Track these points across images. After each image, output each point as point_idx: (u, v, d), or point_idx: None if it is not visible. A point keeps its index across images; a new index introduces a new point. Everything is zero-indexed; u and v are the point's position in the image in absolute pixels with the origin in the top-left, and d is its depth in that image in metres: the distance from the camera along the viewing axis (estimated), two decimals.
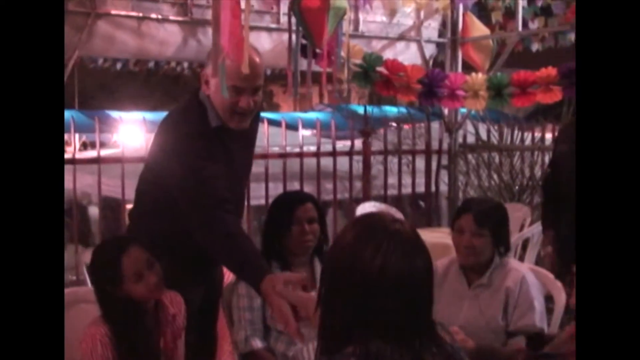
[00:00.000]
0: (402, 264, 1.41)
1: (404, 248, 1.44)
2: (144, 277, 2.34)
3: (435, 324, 1.51)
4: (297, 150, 5.54)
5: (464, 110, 5.95)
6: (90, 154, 5.79)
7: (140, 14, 4.36)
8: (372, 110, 6.86)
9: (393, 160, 6.01)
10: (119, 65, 10.50)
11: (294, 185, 5.53)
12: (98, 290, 2.38)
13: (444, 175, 6.23)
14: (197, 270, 2.70)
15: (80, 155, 5.10)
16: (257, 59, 2.54)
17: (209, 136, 2.56)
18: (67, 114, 9.49)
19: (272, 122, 5.70)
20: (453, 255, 2.97)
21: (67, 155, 4.95)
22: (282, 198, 3.05)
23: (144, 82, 22.13)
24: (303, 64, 4.55)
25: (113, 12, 4.27)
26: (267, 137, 5.29)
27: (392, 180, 5.99)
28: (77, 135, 10.24)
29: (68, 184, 4.78)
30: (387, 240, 1.44)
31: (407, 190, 6.12)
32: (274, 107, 25.71)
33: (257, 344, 2.75)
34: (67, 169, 4.75)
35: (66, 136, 10.49)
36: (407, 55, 5.52)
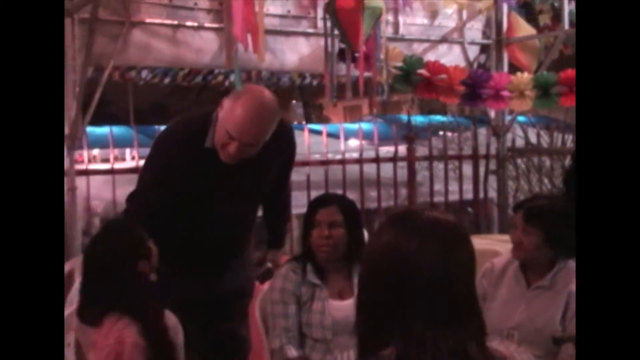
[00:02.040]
0: (440, 253, 1.34)
1: (442, 236, 1.37)
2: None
3: (485, 328, 1.41)
4: (339, 157, 5.45)
5: (509, 117, 5.77)
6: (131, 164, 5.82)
7: (176, 22, 4.33)
8: (416, 118, 6.74)
9: (439, 166, 5.86)
10: (167, 80, 10.64)
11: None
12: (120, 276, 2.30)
13: (493, 181, 6.04)
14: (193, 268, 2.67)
15: (120, 165, 5.12)
16: (263, 123, 2.50)
17: (194, 152, 2.56)
18: (119, 130, 9.64)
19: (313, 132, 5.65)
20: None
21: (105, 166, 4.95)
22: (311, 201, 2.98)
23: (195, 98, 22.47)
24: (342, 68, 4.49)
25: (148, 20, 4.24)
26: (308, 145, 5.22)
27: (439, 186, 5.84)
28: (127, 150, 10.43)
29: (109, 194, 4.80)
30: (424, 229, 1.37)
31: (454, 196, 5.95)
32: (324, 120, 25.75)
33: (292, 352, 2.68)
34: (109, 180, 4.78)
35: (117, 151, 10.69)
36: (450, 57, 5.37)
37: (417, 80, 4.64)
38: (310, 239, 2.75)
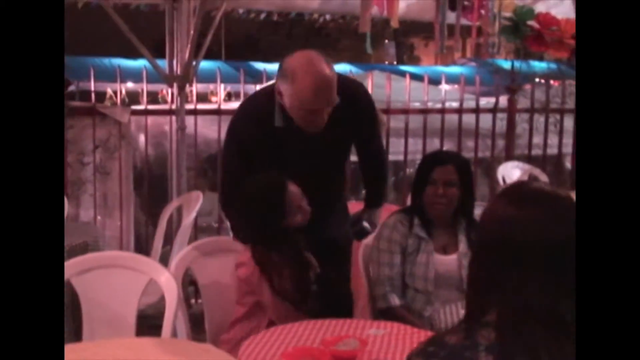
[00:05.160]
0: (540, 221, 1.36)
1: (544, 205, 1.38)
2: (301, 207, 2.59)
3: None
4: (438, 106, 5.42)
5: None
6: (235, 104, 5.95)
7: None
8: (520, 65, 6.57)
9: (539, 119, 5.75)
10: (262, 16, 10.78)
11: (434, 142, 5.44)
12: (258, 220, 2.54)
13: None
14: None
15: (225, 105, 5.23)
16: (330, 83, 2.52)
17: (266, 132, 2.64)
18: (215, 65, 9.78)
19: (414, 77, 5.60)
20: None
21: (213, 106, 5.10)
22: (427, 156, 3.01)
23: (287, 34, 22.51)
24: (450, 17, 4.42)
25: None
26: (409, 92, 5.20)
27: (538, 139, 5.75)
28: (222, 86, 10.63)
29: (213, 133, 4.95)
30: (527, 199, 1.40)
31: (552, 150, 5.86)
32: (415, 61, 25.38)
33: (396, 300, 2.75)
34: (212, 119, 4.92)
35: (212, 86, 10.91)
36: (561, 8, 5.20)
37: (526, 32, 4.53)
38: (424, 194, 2.79)
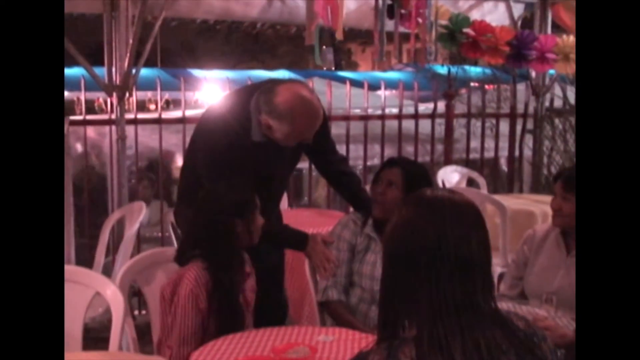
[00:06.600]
0: (436, 224, 1.40)
1: (439, 209, 1.42)
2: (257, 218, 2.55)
3: (497, 306, 1.43)
4: (378, 112, 5.49)
5: (552, 72, 5.74)
6: (175, 113, 5.90)
7: None
8: (456, 71, 6.71)
9: (476, 124, 5.89)
10: (198, 20, 10.72)
11: (375, 148, 5.51)
12: (212, 228, 2.46)
13: (529, 140, 6.07)
14: None
15: (165, 114, 5.18)
16: (321, 111, 2.70)
17: (246, 146, 2.69)
18: (152, 73, 9.61)
19: (353, 83, 5.66)
20: None
21: (153, 115, 5.05)
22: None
23: (224, 40, 22.38)
24: (388, 24, 4.49)
25: None
26: (349, 99, 5.26)
27: (475, 144, 5.89)
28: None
29: (154, 142, 4.90)
30: (425, 204, 1.44)
31: (489, 154, 6.01)
32: (353, 66, 25.59)
33: (333, 295, 2.82)
34: (152, 128, 4.87)
35: (151, 94, 10.79)
36: (495, 15, 5.35)
37: (462, 39, 4.62)
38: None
